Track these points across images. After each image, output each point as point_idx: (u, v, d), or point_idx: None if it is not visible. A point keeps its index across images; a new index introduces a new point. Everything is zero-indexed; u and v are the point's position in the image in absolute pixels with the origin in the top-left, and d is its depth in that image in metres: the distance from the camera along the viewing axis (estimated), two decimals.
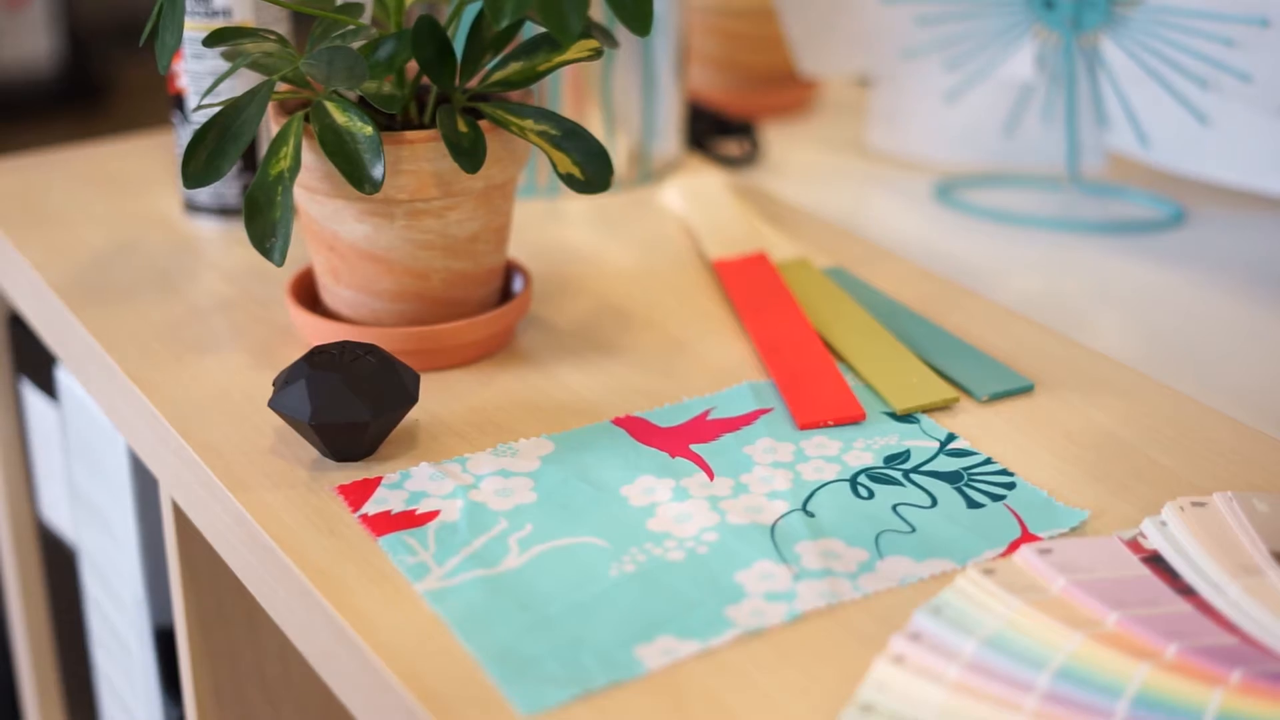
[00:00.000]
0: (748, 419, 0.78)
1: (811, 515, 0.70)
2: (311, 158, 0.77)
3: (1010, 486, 0.72)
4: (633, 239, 1.00)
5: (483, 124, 0.78)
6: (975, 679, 0.58)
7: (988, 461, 0.74)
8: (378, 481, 0.72)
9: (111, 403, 0.87)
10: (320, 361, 0.73)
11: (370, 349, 0.74)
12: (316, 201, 0.80)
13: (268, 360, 0.83)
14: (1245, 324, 0.92)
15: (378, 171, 0.74)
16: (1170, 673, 0.58)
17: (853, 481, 0.72)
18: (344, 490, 0.71)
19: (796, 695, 0.59)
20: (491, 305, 0.85)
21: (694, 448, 0.75)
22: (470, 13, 0.81)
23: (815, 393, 0.79)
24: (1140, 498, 0.71)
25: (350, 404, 0.72)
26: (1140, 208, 1.07)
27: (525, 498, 0.71)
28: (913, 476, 0.73)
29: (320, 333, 0.82)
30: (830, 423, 0.77)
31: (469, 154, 0.76)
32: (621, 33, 1.01)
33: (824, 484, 0.72)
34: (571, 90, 1.04)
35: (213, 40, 0.79)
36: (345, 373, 0.72)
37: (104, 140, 1.17)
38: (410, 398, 0.74)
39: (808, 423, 0.77)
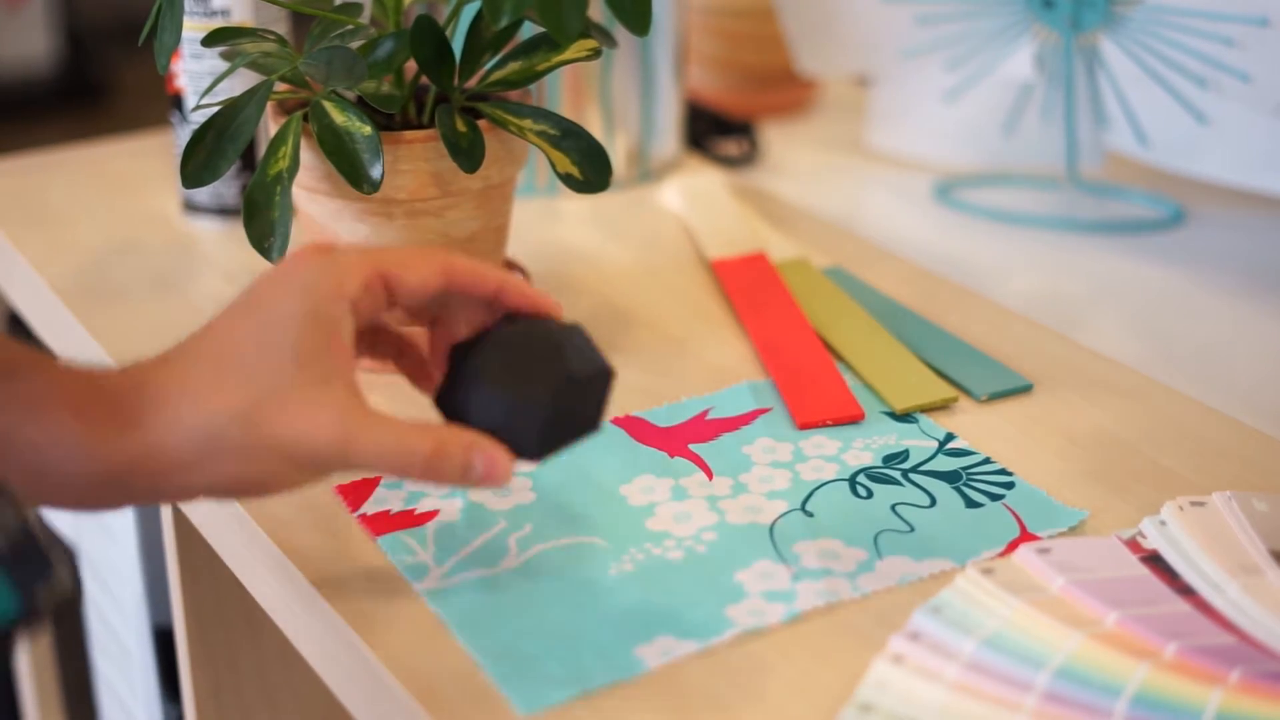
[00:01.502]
0: (747, 419, 0.78)
1: (810, 515, 0.70)
2: (310, 157, 0.77)
3: (1009, 486, 0.72)
4: (631, 239, 1.00)
5: (481, 124, 0.78)
6: (974, 678, 0.58)
7: (986, 461, 0.74)
8: (376, 481, 0.72)
9: None
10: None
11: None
12: (316, 201, 0.80)
13: None
14: (1244, 323, 0.92)
15: (376, 171, 0.74)
16: (1169, 672, 0.58)
17: (852, 481, 0.72)
18: (343, 490, 0.71)
19: (795, 694, 0.59)
20: None
21: (693, 447, 0.75)
22: (469, 12, 0.81)
23: (814, 392, 0.79)
24: (1139, 497, 0.71)
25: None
26: (1139, 207, 1.07)
27: (524, 497, 0.71)
28: (912, 476, 0.73)
29: None
30: (829, 422, 0.77)
31: (467, 154, 0.76)
32: (620, 32, 1.01)
33: (823, 483, 0.72)
34: (570, 90, 1.04)
35: (211, 40, 0.79)
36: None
37: (103, 140, 1.17)
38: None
39: (807, 422, 0.77)
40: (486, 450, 0.59)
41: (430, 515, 0.70)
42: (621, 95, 1.06)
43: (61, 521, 1.14)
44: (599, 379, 0.62)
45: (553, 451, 0.62)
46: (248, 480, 0.58)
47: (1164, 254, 1.01)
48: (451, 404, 0.62)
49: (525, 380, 0.61)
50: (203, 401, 0.57)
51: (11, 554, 0.52)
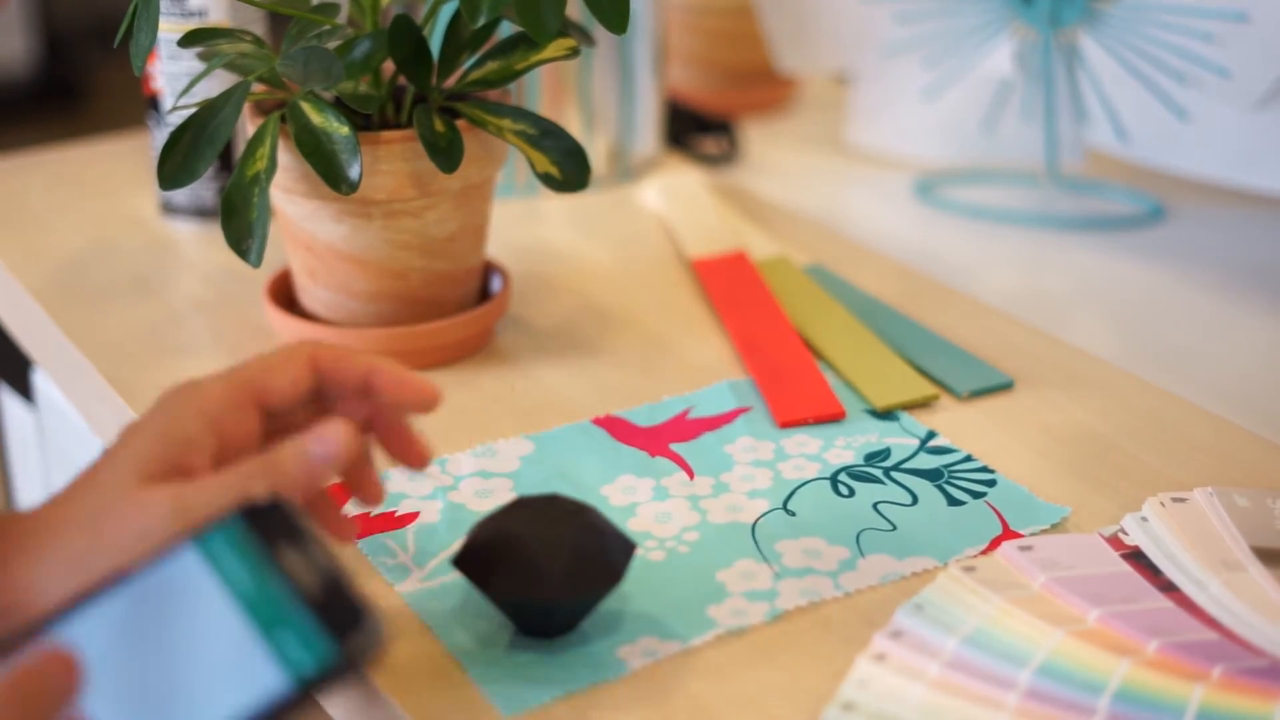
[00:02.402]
0: (727, 418, 0.77)
1: (792, 514, 0.69)
2: (288, 158, 0.77)
3: (991, 483, 0.72)
4: (611, 238, 1.00)
5: (460, 123, 0.78)
6: (957, 676, 0.58)
7: (968, 459, 0.74)
8: None
9: (89, 406, 0.86)
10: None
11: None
12: (293, 202, 0.79)
13: None
14: (1224, 319, 0.93)
15: (354, 172, 0.74)
16: (1151, 669, 0.58)
17: (833, 480, 0.72)
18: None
19: (778, 694, 0.58)
20: (470, 305, 0.84)
21: (674, 447, 0.75)
22: (447, 12, 0.81)
23: (795, 391, 0.79)
24: (1121, 494, 0.71)
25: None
26: (1119, 204, 1.07)
27: (505, 498, 0.71)
28: (893, 474, 0.73)
29: (298, 334, 0.82)
30: (810, 421, 0.77)
31: (446, 154, 0.76)
32: (599, 31, 1.01)
33: (804, 482, 0.72)
34: (549, 89, 1.04)
35: (188, 41, 0.79)
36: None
37: (80, 142, 1.16)
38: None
39: (787, 421, 0.77)
40: (318, 431, 0.58)
41: (411, 517, 0.69)
42: (601, 94, 1.06)
43: None
44: (620, 538, 0.62)
45: (574, 595, 0.60)
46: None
47: (1144, 250, 1.01)
48: (470, 560, 0.61)
49: (549, 524, 0.61)
50: (52, 515, 0.57)
51: (325, 599, 0.49)
